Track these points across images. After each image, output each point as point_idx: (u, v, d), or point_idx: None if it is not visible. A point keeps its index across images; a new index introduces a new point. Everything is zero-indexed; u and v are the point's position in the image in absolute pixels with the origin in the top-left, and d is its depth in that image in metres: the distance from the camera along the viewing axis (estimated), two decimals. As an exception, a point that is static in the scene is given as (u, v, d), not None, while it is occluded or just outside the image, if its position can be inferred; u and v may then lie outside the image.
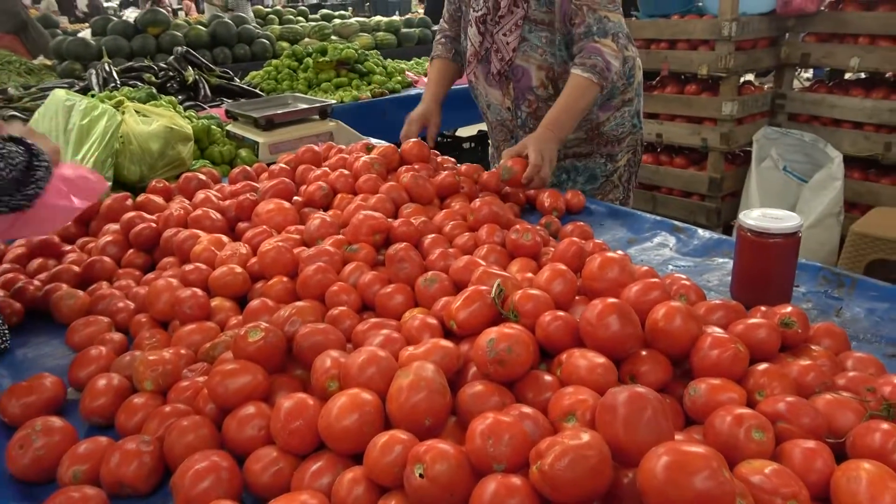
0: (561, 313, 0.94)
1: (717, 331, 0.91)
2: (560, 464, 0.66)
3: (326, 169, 1.69)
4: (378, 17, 6.43)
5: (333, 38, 5.62)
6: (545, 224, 1.49)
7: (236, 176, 1.76)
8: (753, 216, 1.12)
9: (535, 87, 1.82)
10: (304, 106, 2.55)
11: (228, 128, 2.45)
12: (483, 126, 2.35)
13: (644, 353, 0.90)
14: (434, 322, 1.01)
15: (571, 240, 1.21)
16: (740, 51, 3.43)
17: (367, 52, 4.16)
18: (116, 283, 1.33)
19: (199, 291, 1.16)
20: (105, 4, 11.14)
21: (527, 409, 0.80)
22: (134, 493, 0.83)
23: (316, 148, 1.83)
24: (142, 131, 1.92)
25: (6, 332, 1.18)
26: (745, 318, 0.99)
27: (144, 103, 2.35)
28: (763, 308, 1.04)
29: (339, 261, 1.25)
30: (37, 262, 1.42)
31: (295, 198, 1.57)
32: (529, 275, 1.14)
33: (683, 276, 1.14)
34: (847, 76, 3.90)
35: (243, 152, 2.28)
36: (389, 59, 4.40)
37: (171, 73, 3.35)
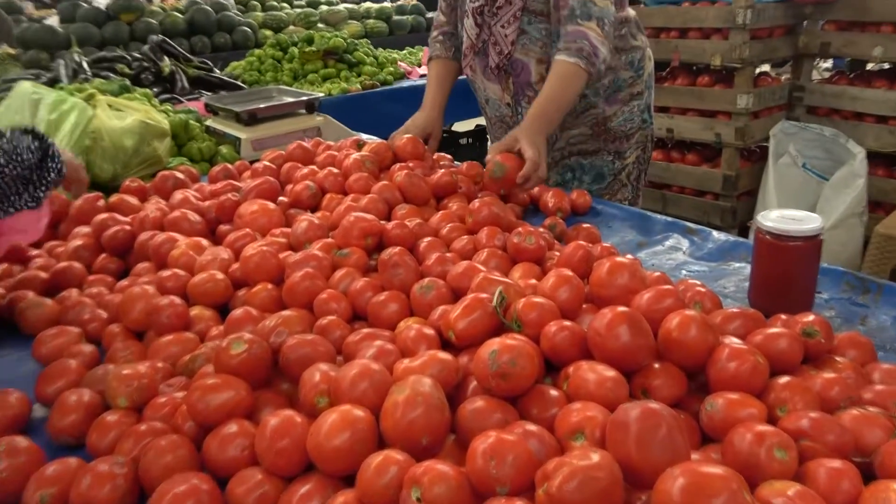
0: (567, 323, 0.94)
1: (734, 341, 0.91)
2: (568, 486, 0.66)
3: (314, 167, 1.68)
4: (368, 4, 6.43)
5: (320, 25, 5.62)
6: (549, 226, 1.49)
7: (217, 175, 1.76)
8: (772, 217, 1.12)
9: (535, 82, 1.82)
10: (290, 99, 2.54)
11: (208, 123, 2.45)
12: (481, 120, 2.35)
13: (657, 365, 0.90)
14: (431, 332, 1.00)
15: (578, 243, 1.21)
16: (756, 40, 3.44)
17: (356, 41, 4.16)
18: (87, 290, 1.32)
19: (176, 300, 1.16)
20: (74, -11, 11.10)
21: (532, 427, 0.80)
22: (107, 518, 0.83)
23: (305, 144, 1.83)
24: (115, 127, 1.92)
25: (-32, 344, 1.18)
26: (764, 327, 0.99)
27: (117, 96, 2.34)
28: (783, 316, 1.04)
29: (329, 266, 1.24)
30: (0, 267, 1.41)
31: (280, 198, 1.57)
32: (533, 281, 1.13)
33: (698, 282, 1.14)
34: (869, 67, 3.92)
35: (224, 149, 2.28)
36: (381, 49, 4.40)
37: (145, 64, 3.34)
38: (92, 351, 1.13)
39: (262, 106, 2.41)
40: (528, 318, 0.96)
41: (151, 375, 0.98)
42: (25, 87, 1.96)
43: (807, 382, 0.88)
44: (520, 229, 1.30)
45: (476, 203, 1.41)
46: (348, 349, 1.02)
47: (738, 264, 1.38)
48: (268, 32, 5.47)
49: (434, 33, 2.08)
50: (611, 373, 0.86)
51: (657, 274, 1.15)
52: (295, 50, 3.91)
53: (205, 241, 1.37)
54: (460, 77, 2.07)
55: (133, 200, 1.60)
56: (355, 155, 1.65)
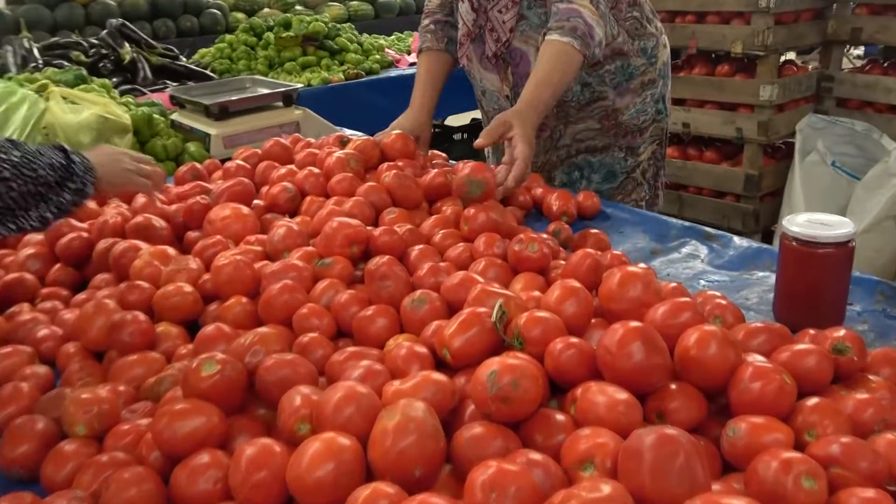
0: (574, 340, 0.95)
1: (758, 359, 0.92)
2: (576, 521, 0.67)
3: (292, 167, 1.69)
4: (352, -16, 6.45)
5: (298, 8, 5.63)
6: (553, 232, 1.50)
7: (184, 175, 1.76)
8: (798, 222, 1.13)
9: None
10: (265, 91, 2.55)
11: (173, 117, 2.45)
12: (476, 114, 2.36)
13: (674, 386, 0.90)
14: (424, 351, 1.01)
15: (585, 251, 1.22)
16: (780, 25, 3.48)
17: (339, 25, 4.17)
18: (40, 305, 1.32)
19: (140, 315, 1.16)
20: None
21: (536, 456, 0.81)
22: (64, 560, 0.83)
23: (283, 141, 1.84)
24: (70, 122, 1.92)
25: None
26: (791, 343, 1.00)
27: (73, 87, 2.34)
28: (812, 331, 1.05)
29: (309, 278, 1.24)
30: (-58, 280, 1.41)
31: (255, 202, 1.57)
32: (536, 293, 1.14)
33: (718, 294, 1.15)
34: (905, 54, 3.97)
35: (192, 146, 2.29)
36: (366, 34, 4.42)
37: (103, 51, 3.35)
38: (46, 373, 1.13)
39: (233, 98, 2.42)
40: (530, 334, 0.96)
41: (112, 400, 0.98)
42: (-30, 78, 1.96)
43: (837, 404, 0.89)
44: (521, 236, 1.30)
45: (473, 208, 1.42)
46: (332, 370, 1.02)
47: (761, 273, 1.39)
48: (240, 16, 5.48)
49: (425, 21, 2.08)
50: (623, 395, 0.86)
51: (673, 285, 1.16)
52: (270, 35, 3.92)
53: (171, 250, 1.37)
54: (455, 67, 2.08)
55: (91, 204, 1.60)
56: (338, 153, 1.66)
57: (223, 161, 1.88)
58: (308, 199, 1.56)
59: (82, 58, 3.27)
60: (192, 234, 1.47)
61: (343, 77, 3.72)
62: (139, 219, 1.46)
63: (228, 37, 4.06)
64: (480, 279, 1.15)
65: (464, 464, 0.83)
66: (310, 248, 1.33)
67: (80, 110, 1.99)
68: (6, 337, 1.22)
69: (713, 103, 3.77)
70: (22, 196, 1.15)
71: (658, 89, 1.98)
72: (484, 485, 0.73)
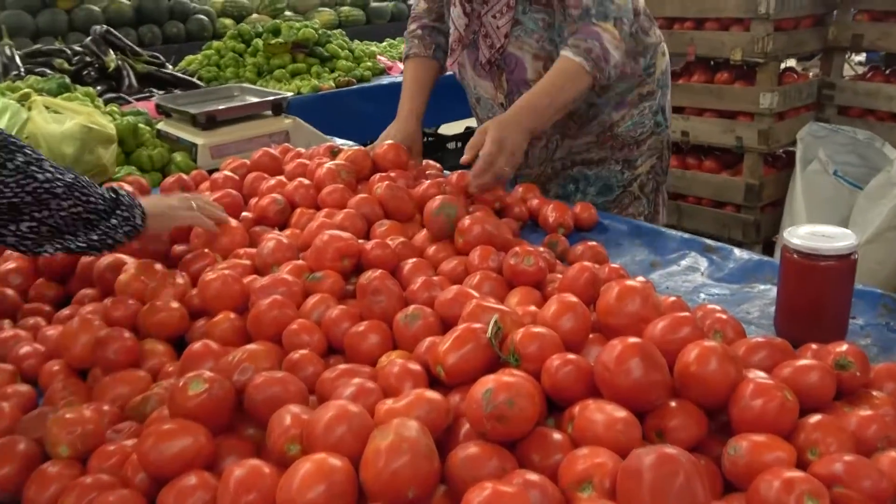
0: (572, 356, 0.95)
1: (760, 375, 0.92)
2: (574, 544, 0.67)
3: (282, 178, 1.69)
4: (342, -11, 6.48)
5: (288, 14, 5.66)
6: (550, 244, 1.51)
7: (170, 186, 1.76)
8: (800, 234, 1.14)
9: (531, 80, 1.83)
10: (254, 99, 2.56)
11: (159, 126, 2.45)
12: (471, 122, 2.37)
13: (673, 404, 0.91)
14: (417, 368, 1.01)
15: (582, 265, 1.22)
16: (780, 31, 3.51)
17: (329, 31, 4.20)
18: (22, 321, 1.32)
19: (125, 332, 1.16)
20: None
21: (533, 476, 0.81)
22: (46, 586, 0.82)
23: (272, 151, 1.84)
24: (53, 132, 1.92)
25: None
26: (792, 358, 1.00)
27: (55, 96, 2.34)
28: (814, 346, 1.06)
29: (300, 292, 1.25)
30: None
31: (243, 214, 1.58)
32: (532, 308, 1.15)
33: (718, 308, 1.16)
34: (907, 61, 4.00)
35: (178, 157, 2.29)
36: (357, 41, 4.45)
37: (87, 58, 3.35)
38: (28, 392, 1.12)
39: (221, 107, 2.42)
40: (527, 350, 0.97)
41: (97, 420, 0.98)
42: (-51, 87, 1.96)
43: (841, 421, 0.89)
44: (517, 249, 1.31)
45: (467, 220, 1.42)
46: (323, 388, 1.02)
47: (762, 286, 1.40)
48: (228, 21, 5.51)
49: (412, 26, 2.08)
50: (621, 413, 0.87)
51: (672, 299, 1.17)
52: (259, 42, 3.94)
53: (157, 265, 1.37)
54: (447, 73, 2.09)
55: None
56: (329, 164, 1.67)
57: (210, 172, 1.88)
58: (298, 211, 1.57)
59: (66, 65, 3.28)
60: (178, 248, 1.47)
61: (334, 85, 3.74)
62: (124, 232, 1.46)
63: (216, 43, 4.08)
64: (475, 294, 1.16)
65: (458, 485, 0.83)
66: (300, 262, 1.34)
67: (63, 120, 1.99)
68: (-14, 354, 1.22)
69: (712, 111, 3.79)
70: (72, 218, 1.19)
71: (657, 101, 1.98)
72: (479, 506, 0.73)
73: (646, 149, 2.00)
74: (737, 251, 1.54)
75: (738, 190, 3.72)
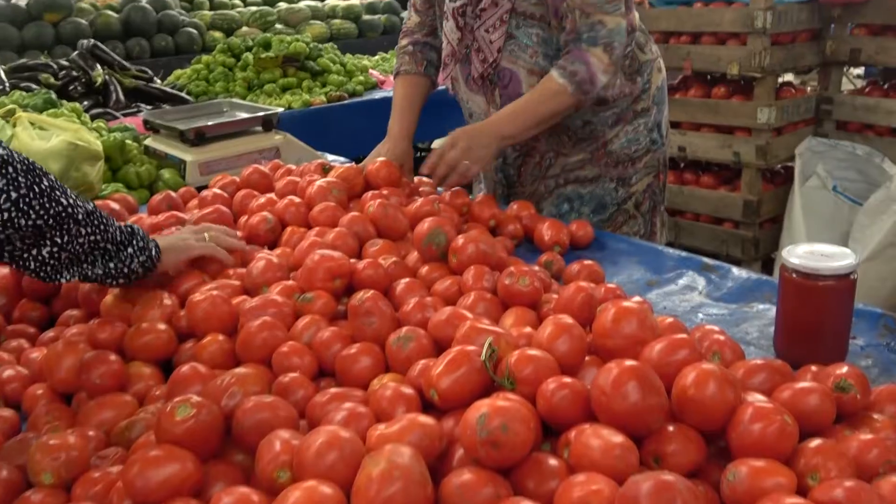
0: (568, 380, 0.95)
1: (759, 399, 0.93)
2: (571, 574, 0.67)
3: (272, 196, 1.70)
4: (334, 1, 6.51)
5: (279, 27, 5.69)
6: (545, 263, 1.51)
7: (158, 204, 1.76)
8: (798, 253, 1.15)
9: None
10: (243, 115, 2.57)
11: (147, 142, 2.46)
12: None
13: (671, 428, 0.91)
14: (410, 392, 1.01)
15: (578, 285, 1.23)
16: (777, 45, 3.54)
17: (320, 45, 4.21)
18: (5, 343, 1.32)
19: (111, 355, 1.15)
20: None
21: None
22: None
23: (262, 168, 1.85)
24: (38, 148, 1.92)
25: None
26: (792, 381, 1.01)
27: (41, 112, 2.35)
28: (814, 368, 1.07)
29: (290, 314, 1.25)
30: None
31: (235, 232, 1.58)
32: (528, 330, 1.15)
33: (716, 329, 1.16)
34: (906, 76, 4.04)
35: (166, 174, 2.29)
36: (349, 54, 4.46)
37: (74, 73, 3.36)
38: (11, 416, 1.12)
39: (210, 123, 2.43)
40: (522, 374, 0.97)
41: (81, 446, 0.97)
42: (-68, 103, 1.97)
43: (841, 445, 0.90)
44: (511, 268, 1.31)
45: (460, 239, 1.42)
46: (313, 412, 1.02)
47: (761, 306, 1.41)
48: (217, 35, 5.52)
49: (403, 42, 2.10)
50: (618, 438, 0.87)
51: (669, 320, 1.17)
52: (249, 56, 3.95)
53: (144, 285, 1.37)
54: (440, 88, 2.10)
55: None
56: (320, 181, 1.67)
57: (199, 189, 1.89)
58: (289, 229, 1.57)
59: (52, 80, 3.28)
60: (166, 268, 1.46)
61: (325, 99, 3.75)
62: (110, 252, 1.46)
63: (205, 57, 4.09)
64: (469, 315, 1.16)
65: (452, 512, 0.82)
66: (290, 283, 1.34)
67: (48, 136, 1.99)
68: (-32, 378, 1.22)
69: (709, 126, 3.81)
70: (90, 245, 1.21)
71: (652, 117, 1.98)
72: (474, 535, 0.73)
73: (641, 166, 2.01)
74: (735, 270, 1.55)
75: (737, 206, 3.74)
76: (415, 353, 1.11)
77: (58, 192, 1.15)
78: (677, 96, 3.90)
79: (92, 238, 1.21)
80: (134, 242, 1.28)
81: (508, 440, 0.85)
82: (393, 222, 1.55)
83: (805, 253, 1.15)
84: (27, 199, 1.10)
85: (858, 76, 5.98)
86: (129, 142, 2.32)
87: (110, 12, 5.21)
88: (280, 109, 2.62)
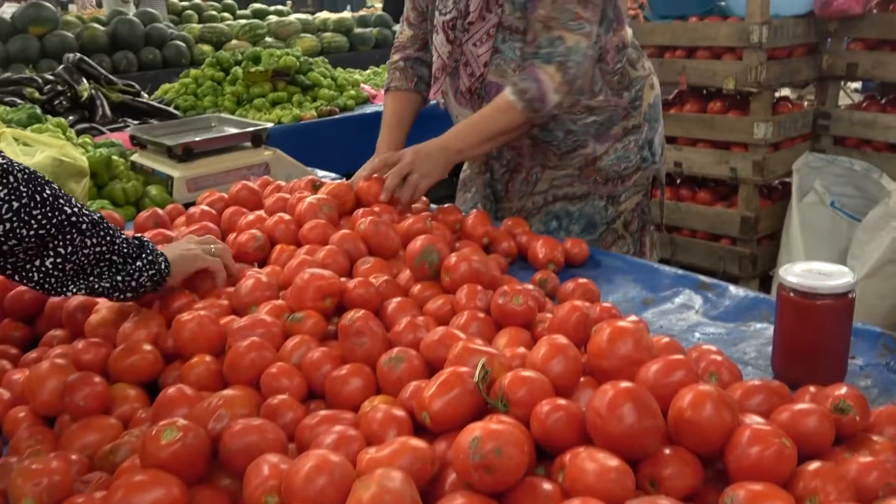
0: (562, 402, 0.95)
1: (756, 421, 0.93)
2: None
3: (261, 213, 1.70)
4: (325, 14, 6.56)
5: (269, 40, 5.72)
6: (540, 282, 1.52)
7: (145, 221, 1.76)
8: (795, 272, 1.15)
9: None
10: (232, 130, 2.57)
11: (134, 158, 2.46)
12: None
13: (668, 451, 0.91)
14: (401, 414, 1.01)
15: (573, 304, 1.23)
16: (773, 60, 3.58)
17: (311, 59, 4.24)
18: (-15, 364, 1.31)
19: (95, 377, 1.15)
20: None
21: (522, 529, 0.81)
22: None
23: (251, 185, 1.85)
24: (22, 165, 1.92)
25: None
26: (790, 402, 1.01)
27: (25, 127, 2.35)
28: (812, 389, 1.07)
29: (279, 334, 1.25)
30: None
31: (222, 251, 1.58)
32: (521, 350, 1.15)
33: (713, 349, 1.17)
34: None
35: (153, 190, 2.29)
36: (340, 68, 4.49)
37: (59, 87, 3.37)
38: (-9, 440, 1.12)
39: (198, 138, 2.43)
40: (515, 396, 0.97)
41: (64, 470, 0.97)
42: (-86, 118, 1.97)
43: (840, 468, 0.90)
44: (505, 287, 1.31)
45: (453, 257, 1.42)
46: (303, 436, 1.01)
47: (759, 325, 1.41)
48: (206, 48, 5.55)
49: (395, 57, 2.12)
50: (614, 462, 0.87)
51: (665, 340, 1.17)
52: (238, 70, 3.96)
53: (129, 304, 1.36)
54: (431, 102, 2.11)
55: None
56: (310, 198, 1.67)
57: (187, 206, 1.89)
58: (278, 247, 1.57)
59: (36, 95, 3.29)
60: (152, 287, 1.46)
61: (316, 114, 3.76)
62: (95, 270, 1.45)
63: (193, 71, 4.10)
64: (462, 335, 1.16)
65: (445, 538, 0.82)
66: (279, 302, 1.34)
67: (33, 153, 1.99)
68: (-53, 401, 1.21)
69: (706, 142, 3.84)
70: (96, 257, 1.20)
71: (643, 135, 1.99)
72: (466, 562, 0.73)
73: (631, 184, 2.02)
74: (732, 288, 1.56)
75: (734, 222, 3.75)
76: (406, 374, 1.11)
77: (61, 201, 1.14)
78: (673, 111, 3.93)
79: (98, 249, 1.20)
80: (143, 256, 1.27)
81: (502, 464, 0.85)
82: (384, 240, 1.55)
83: (802, 271, 1.15)
84: (29, 209, 1.09)
85: (856, 90, 6.04)
86: (115, 157, 2.32)
87: (97, 25, 5.22)
88: (270, 125, 2.64)
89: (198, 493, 0.93)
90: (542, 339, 1.09)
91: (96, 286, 1.23)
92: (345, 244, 1.51)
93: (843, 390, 1.02)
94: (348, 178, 1.89)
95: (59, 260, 1.17)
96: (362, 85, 4.28)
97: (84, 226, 1.17)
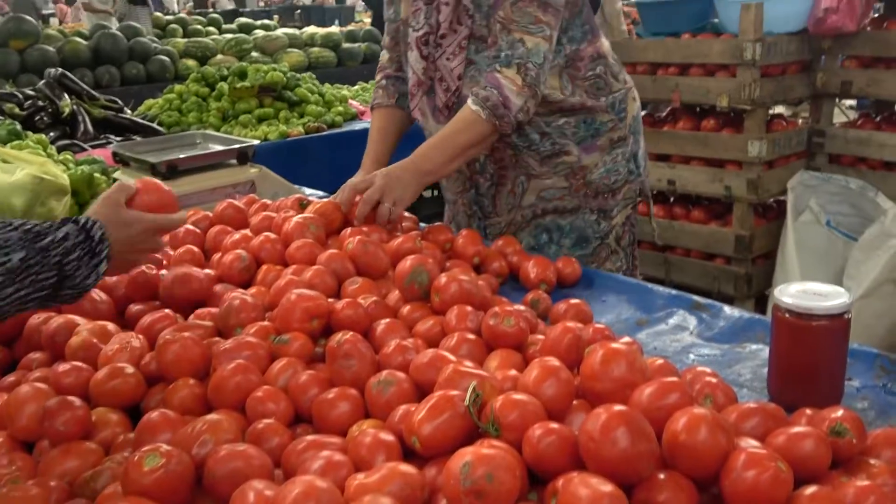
0: (555, 425, 0.95)
1: (752, 444, 0.94)
2: None
3: (247, 232, 1.70)
4: (312, 29, 6.60)
5: (255, 55, 5.74)
6: (532, 302, 1.52)
7: (127, 241, 1.76)
8: (791, 293, 1.16)
9: None
10: (218, 147, 2.58)
11: (116, 175, 2.45)
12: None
13: (662, 476, 0.91)
14: (391, 439, 1.01)
15: (566, 325, 1.24)
16: (767, 77, 3.61)
17: (298, 74, 4.25)
18: (-38, 388, 1.30)
19: (76, 401, 1.14)
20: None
21: (514, 556, 0.81)
22: None
23: (237, 203, 1.85)
24: (1, 183, 1.92)
25: None
26: (786, 425, 1.02)
27: (5, 144, 2.35)
28: (808, 412, 1.07)
29: (265, 356, 1.24)
30: None
31: (205, 271, 1.58)
32: (513, 373, 1.15)
33: (708, 371, 1.17)
34: (898, 108, 4.13)
35: (136, 208, 2.29)
36: (327, 84, 4.50)
37: (40, 103, 3.36)
38: (-33, 467, 1.10)
39: (183, 156, 2.44)
40: (507, 419, 0.97)
41: (43, 498, 0.96)
42: None
43: (837, 493, 0.90)
44: (496, 308, 1.32)
45: (443, 277, 1.43)
46: (289, 461, 1.01)
47: (754, 346, 1.42)
48: (191, 63, 5.56)
49: (377, 77, 2.16)
50: (607, 487, 0.87)
51: (659, 362, 1.18)
52: (224, 85, 3.97)
53: (112, 326, 1.36)
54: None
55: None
56: (297, 217, 1.68)
57: (171, 225, 1.89)
58: (264, 267, 1.57)
59: (16, 110, 3.28)
60: (134, 308, 1.46)
61: (303, 131, 3.77)
62: (76, 291, 1.45)
63: (178, 86, 4.11)
64: (452, 357, 1.16)
65: (435, 567, 0.82)
66: (265, 324, 1.34)
67: (12, 170, 1.98)
68: (-78, 426, 1.20)
69: (699, 159, 3.86)
70: (20, 301, 1.13)
71: (629, 147, 2.03)
72: (457, 591, 0.73)
73: (621, 198, 2.05)
74: (727, 308, 1.57)
75: (728, 241, 3.77)
76: (395, 397, 1.11)
77: None
78: (666, 129, 3.96)
79: (18, 295, 1.11)
80: (67, 288, 1.18)
81: (493, 490, 0.85)
82: (373, 260, 1.56)
83: (798, 292, 1.16)
84: None
85: (851, 107, 6.12)
86: (97, 175, 2.31)
87: (79, 39, 5.24)
88: (256, 141, 2.64)
89: (181, 520, 0.93)
90: (534, 361, 1.10)
91: (25, 308, 1.16)
92: (332, 264, 1.51)
93: (840, 413, 1.02)
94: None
95: None
96: (350, 101, 4.30)
97: None
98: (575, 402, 1.07)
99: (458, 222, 2.14)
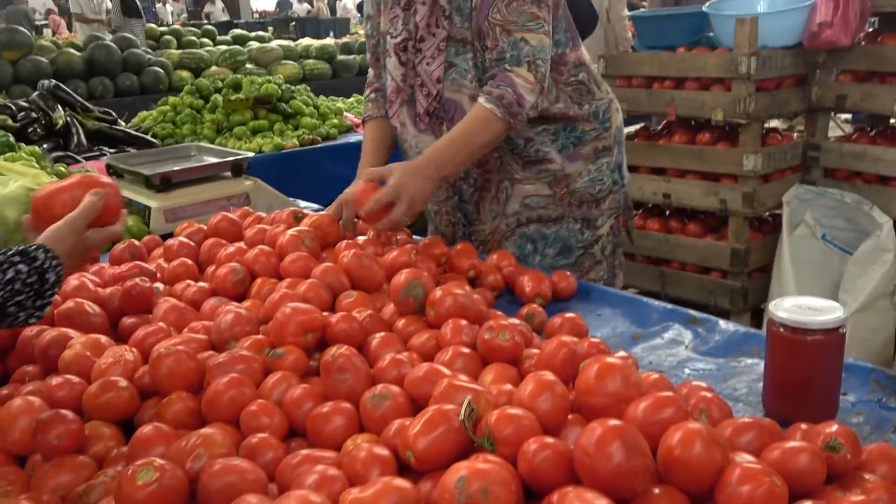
0: (550, 440, 0.96)
1: (747, 459, 0.94)
2: None
3: (241, 245, 1.70)
4: (307, 41, 6.62)
5: (249, 66, 5.76)
6: (527, 316, 1.53)
7: (121, 253, 1.76)
8: (785, 307, 1.17)
9: None
10: (212, 159, 2.58)
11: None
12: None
13: (657, 490, 0.92)
14: (385, 453, 1.01)
15: (560, 340, 1.24)
16: (762, 91, 3.64)
17: (293, 86, 4.26)
18: (-46, 402, 1.30)
19: (69, 414, 1.14)
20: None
21: (509, 572, 0.81)
22: None
23: (231, 216, 1.86)
24: (-6, 194, 1.92)
25: None
26: (781, 440, 1.02)
27: (-2, 156, 2.35)
28: (803, 426, 1.08)
29: (259, 370, 1.25)
30: None
31: (199, 284, 1.58)
32: (508, 387, 1.16)
33: (703, 385, 1.18)
34: (893, 122, 4.15)
35: (130, 221, 2.29)
36: (322, 96, 4.52)
37: (33, 114, 3.37)
38: (-41, 481, 1.10)
39: (177, 168, 2.44)
40: (502, 434, 0.97)
41: (35, 513, 0.97)
42: None
43: (832, 508, 0.91)
44: (491, 322, 1.32)
45: (438, 291, 1.43)
46: (283, 476, 1.01)
47: (750, 360, 1.43)
48: (185, 74, 5.57)
49: (366, 91, 2.19)
50: (602, 501, 0.87)
51: (655, 376, 1.19)
52: (218, 97, 3.98)
53: (105, 339, 1.37)
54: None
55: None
56: (292, 230, 1.68)
57: (164, 237, 1.89)
58: (258, 281, 1.57)
59: (9, 122, 3.29)
60: (128, 321, 1.46)
61: (297, 143, 3.78)
62: (70, 304, 1.45)
63: (172, 98, 4.11)
64: (447, 371, 1.16)
65: (430, 582, 0.82)
66: (260, 337, 1.34)
67: (5, 182, 1.99)
68: (-87, 440, 1.20)
69: (694, 173, 3.88)
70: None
71: (614, 157, 2.06)
72: None
73: (606, 207, 2.07)
74: (722, 323, 1.57)
75: (724, 255, 3.78)
76: (390, 411, 1.11)
77: None
78: (661, 142, 3.97)
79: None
80: (24, 311, 1.18)
81: (488, 504, 0.86)
82: (368, 273, 1.56)
83: (792, 306, 1.17)
84: None
85: (846, 121, 6.15)
86: (90, 187, 2.32)
87: (73, 50, 5.25)
88: (250, 154, 2.64)
89: (175, 535, 0.93)
90: (529, 375, 1.11)
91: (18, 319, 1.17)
92: (327, 278, 1.52)
93: (835, 428, 1.03)
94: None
95: None
96: (345, 113, 4.31)
97: None
98: (570, 416, 1.08)
99: (442, 232, 2.14)
